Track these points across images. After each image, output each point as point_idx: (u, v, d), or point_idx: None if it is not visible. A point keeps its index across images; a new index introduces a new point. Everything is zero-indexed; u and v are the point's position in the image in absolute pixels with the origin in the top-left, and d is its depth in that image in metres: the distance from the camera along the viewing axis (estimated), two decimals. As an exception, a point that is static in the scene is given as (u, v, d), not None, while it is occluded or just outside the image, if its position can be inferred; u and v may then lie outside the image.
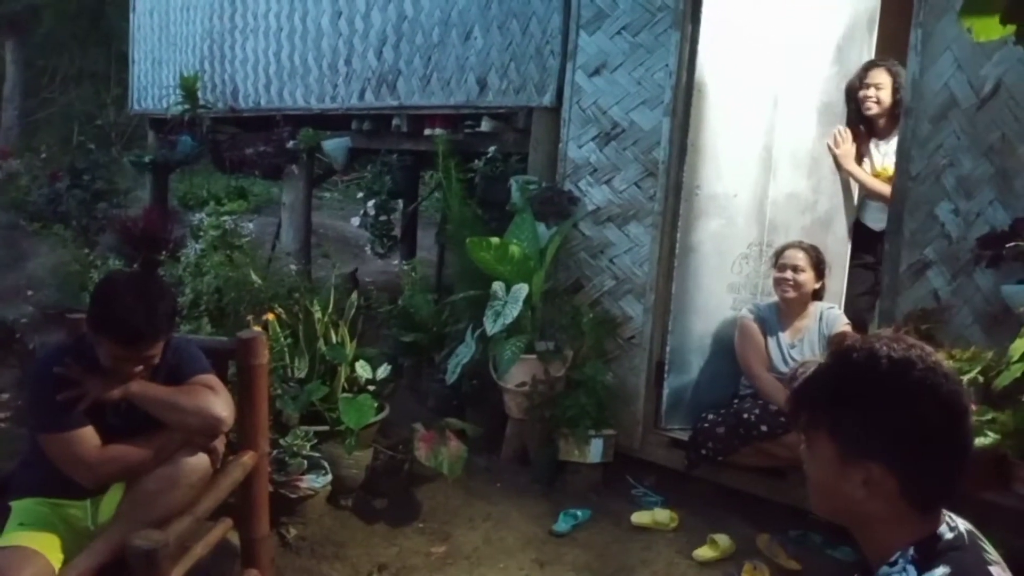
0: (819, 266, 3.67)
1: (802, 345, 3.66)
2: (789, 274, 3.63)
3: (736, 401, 3.67)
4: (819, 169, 3.96)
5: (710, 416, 3.63)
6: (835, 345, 1.34)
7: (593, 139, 4.07)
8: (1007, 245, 2.99)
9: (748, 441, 3.48)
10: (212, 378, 2.44)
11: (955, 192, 3.23)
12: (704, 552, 3.34)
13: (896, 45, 3.82)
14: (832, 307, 3.72)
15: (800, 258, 3.63)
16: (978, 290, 3.18)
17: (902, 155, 3.37)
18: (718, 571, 3.28)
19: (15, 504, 2.31)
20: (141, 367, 2.28)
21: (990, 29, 1.43)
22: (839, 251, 4.04)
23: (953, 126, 3.22)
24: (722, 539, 3.36)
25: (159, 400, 2.30)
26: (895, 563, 1.19)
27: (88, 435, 2.25)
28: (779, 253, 3.71)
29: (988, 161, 3.15)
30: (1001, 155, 3.12)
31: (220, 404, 2.36)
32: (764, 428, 3.45)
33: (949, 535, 1.21)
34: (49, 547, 2.19)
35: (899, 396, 1.18)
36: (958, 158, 3.22)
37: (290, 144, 5.89)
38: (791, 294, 3.64)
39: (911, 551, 1.19)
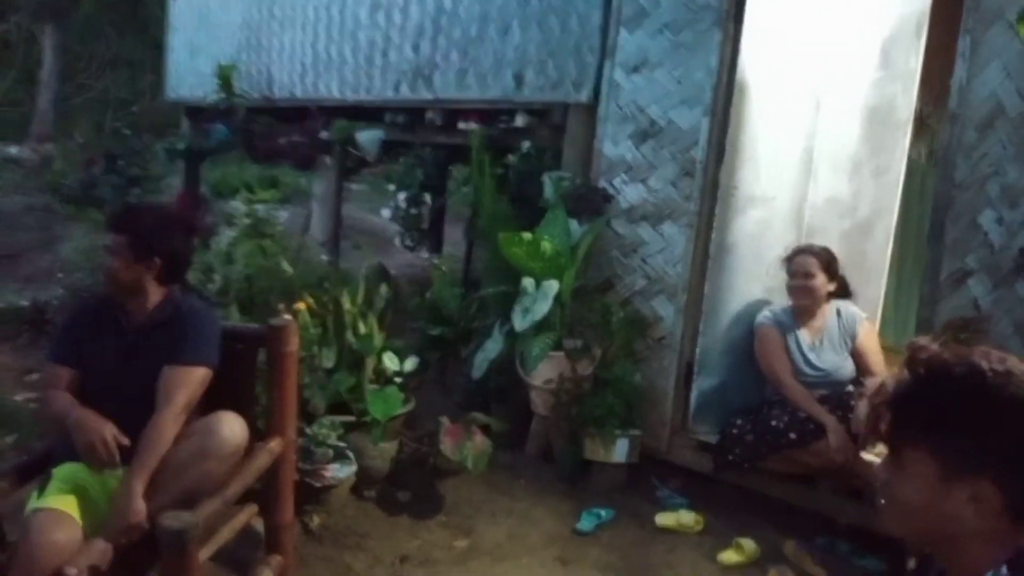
0: (830, 267, 3.61)
1: (821, 346, 3.60)
2: (801, 281, 3.58)
3: (765, 408, 3.61)
4: (860, 174, 3.89)
5: (738, 422, 3.59)
6: (915, 356, 1.28)
7: (630, 137, 4.03)
8: (1052, 256, 2.94)
9: (777, 449, 3.44)
10: (200, 373, 2.38)
11: (999, 201, 3.17)
12: (729, 556, 3.31)
13: (941, 51, 3.76)
14: (846, 303, 3.66)
15: (811, 263, 3.58)
16: (1019, 301, 3.13)
17: (946, 161, 3.31)
18: (743, 576, 3.24)
19: (56, 470, 2.32)
20: (115, 259, 2.40)
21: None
22: (879, 258, 3.97)
23: (1000, 135, 3.16)
24: (748, 543, 3.33)
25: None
26: None
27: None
28: (789, 260, 3.64)
29: (1035, 171, 3.08)
30: (1048, 165, 3.06)
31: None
32: (793, 436, 3.40)
33: None
34: (83, 512, 2.21)
35: (1009, 412, 1.15)
36: (1003, 167, 3.16)
37: (323, 135, 5.90)
38: (807, 301, 3.61)
39: (1004, 569, 1.14)
